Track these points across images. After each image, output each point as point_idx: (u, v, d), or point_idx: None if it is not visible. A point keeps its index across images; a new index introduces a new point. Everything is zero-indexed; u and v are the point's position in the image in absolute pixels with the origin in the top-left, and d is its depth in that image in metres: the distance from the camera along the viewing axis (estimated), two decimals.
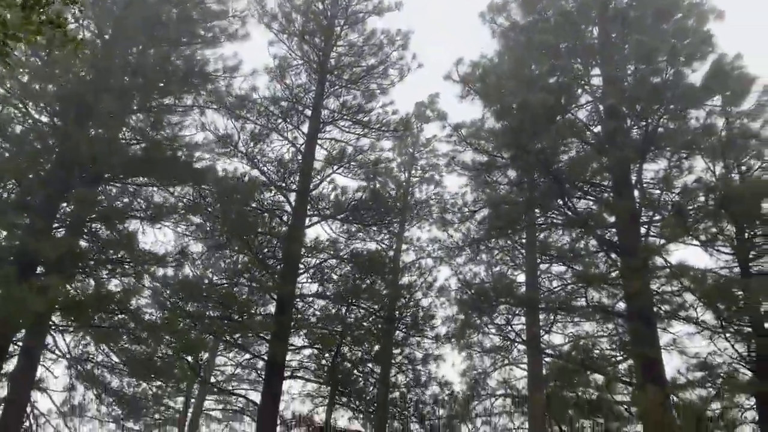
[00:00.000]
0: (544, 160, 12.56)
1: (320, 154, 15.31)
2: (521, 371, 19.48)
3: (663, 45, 11.66)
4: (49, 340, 12.06)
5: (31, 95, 11.75)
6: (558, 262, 17.99)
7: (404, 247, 18.94)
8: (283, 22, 15.43)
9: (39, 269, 11.38)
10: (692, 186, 11.61)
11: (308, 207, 14.15)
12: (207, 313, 13.20)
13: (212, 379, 18.04)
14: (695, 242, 11.44)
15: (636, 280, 11.08)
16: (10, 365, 11.47)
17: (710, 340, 11.00)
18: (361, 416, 15.82)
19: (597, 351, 14.32)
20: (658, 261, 11.94)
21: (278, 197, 14.39)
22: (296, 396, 15.97)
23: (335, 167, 15.00)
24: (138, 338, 12.15)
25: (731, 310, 10.12)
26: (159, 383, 15.44)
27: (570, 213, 14.03)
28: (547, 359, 18.22)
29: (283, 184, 14.48)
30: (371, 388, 15.78)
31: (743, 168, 11.35)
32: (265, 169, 14.51)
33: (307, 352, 14.77)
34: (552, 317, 19.27)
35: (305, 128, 15.21)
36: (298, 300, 13.96)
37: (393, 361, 16.16)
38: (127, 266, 11.79)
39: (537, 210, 15.84)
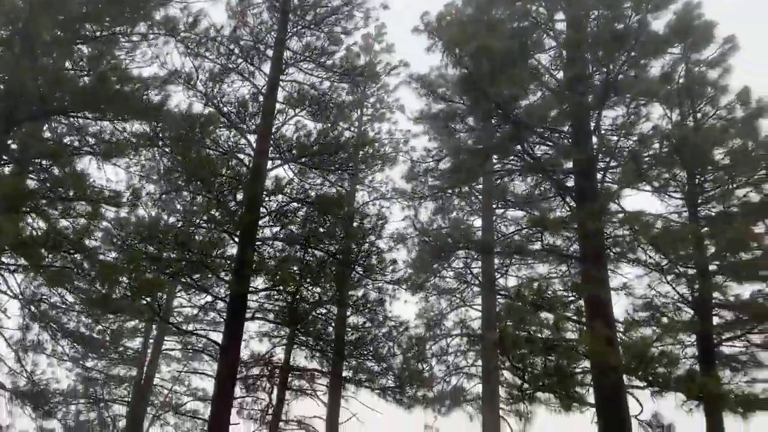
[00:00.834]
0: (505, 105, 12.57)
1: (282, 96, 14.98)
2: (476, 312, 20.15)
3: None
4: None
5: None
6: (514, 208, 18.40)
7: (363, 190, 19.00)
8: None
9: None
10: (648, 133, 11.87)
11: (270, 149, 13.90)
12: (164, 255, 13.00)
13: (171, 320, 18.00)
14: (648, 188, 11.82)
15: (590, 224, 11.42)
16: None
17: (657, 282, 11.55)
18: (319, 355, 16.12)
19: (549, 292, 14.83)
20: (613, 206, 12.34)
21: (239, 139, 14.09)
22: (255, 336, 16.12)
23: (297, 110, 14.68)
24: (93, 279, 11.95)
25: (678, 253, 10.58)
26: (116, 324, 15.34)
27: (528, 159, 14.22)
28: (501, 300, 18.85)
29: (244, 126, 14.14)
30: (329, 329, 16.04)
31: (698, 116, 11.66)
32: (226, 109, 14.10)
33: (267, 293, 14.81)
34: (507, 261, 19.83)
35: (267, 69, 14.77)
36: (258, 242, 13.88)
37: (350, 303, 16.39)
38: (79, 205, 11.43)
39: (495, 156, 16.01)
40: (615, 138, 12.88)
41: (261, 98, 14.56)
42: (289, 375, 15.05)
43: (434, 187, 18.67)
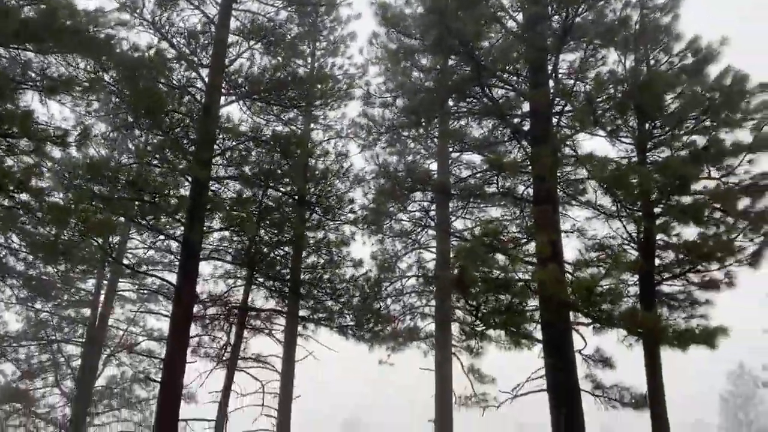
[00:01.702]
0: (467, 44, 12.47)
1: (235, 26, 14.29)
2: (431, 254, 20.51)
3: None
4: None
5: None
6: (471, 151, 18.54)
7: (318, 129, 18.70)
8: None
9: None
10: (604, 78, 12.01)
11: (223, 85, 13.44)
12: (116, 195, 12.66)
13: (125, 262, 17.74)
14: (601, 133, 12.05)
15: (544, 167, 11.64)
16: None
17: (606, 223, 11.96)
18: (277, 296, 16.25)
19: (504, 233, 15.20)
20: (567, 150, 12.58)
21: (190, 73, 13.53)
22: (211, 277, 16.06)
23: (251, 42, 14.14)
24: (41, 220, 11.60)
25: (626, 195, 10.93)
26: (67, 266, 15.03)
27: (486, 101, 14.24)
28: (456, 242, 19.24)
29: (196, 59, 13.56)
30: (287, 270, 16.12)
31: (652, 61, 11.82)
32: (175, 41, 13.47)
33: (223, 234, 14.71)
34: (463, 204, 20.13)
35: None
36: (213, 182, 13.64)
37: (308, 244, 16.45)
38: (24, 143, 10.93)
39: (453, 98, 15.98)
40: (571, 82, 13.01)
41: (213, 28, 13.93)
42: (247, 315, 15.16)
43: (391, 126, 18.60)
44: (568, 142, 12.77)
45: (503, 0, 13.59)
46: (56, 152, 11.82)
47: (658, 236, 10.81)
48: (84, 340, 18.40)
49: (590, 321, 12.43)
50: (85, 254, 12.43)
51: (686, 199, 10.46)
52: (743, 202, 10.00)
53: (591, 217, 12.25)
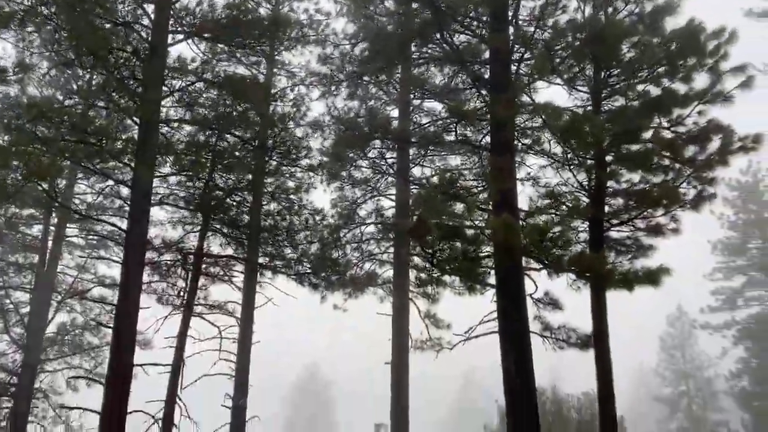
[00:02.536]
0: None
1: None
2: (390, 202, 20.59)
3: None
4: None
5: None
6: (431, 98, 18.41)
7: (280, 75, 18.21)
8: None
9: None
10: (562, 25, 11.95)
11: (171, 22, 12.78)
12: (60, 138, 12.14)
13: (73, 207, 17.20)
14: (559, 81, 12.09)
15: (502, 114, 11.67)
16: None
17: (558, 172, 12.15)
18: (234, 243, 16.11)
19: (461, 182, 15.30)
20: (525, 98, 12.61)
21: (135, 8, 12.79)
22: (166, 223, 15.76)
23: None
24: None
25: (579, 144, 11.08)
26: (13, 210, 14.50)
27: (447, 48, 14.06)
28: (415, 190, 19.32)
29: None
30: (244, 216, 15.93)
31: (610, 10, 11.79)
32: None
33: (176, 179, 14.36)
34: (422, 152, 20.12)
35: None
36: (163, 125, 13.19)
37: (265, 190, 16.23)
38: None
39: (414, 44, 15.71)
40: (531, 29, 12.91)
41: None
42: (203, 261, 15.01)
43: (352, 72, 18.23)
44: (526, 90, 12.79)
45: None
46: None
47: (608, 183, 11.05)
48: (32, 286, 17.97)
49: (541, 266, 12.78)
50: (29, 198, 11.95)
51: (636, 148, 10.67)
52: (690, 151, 10.27)
53: (545, 165, 12.42)
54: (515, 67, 13.52)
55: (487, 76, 13.66)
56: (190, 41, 13.08)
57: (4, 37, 12.08)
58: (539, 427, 12.20)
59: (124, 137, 12.90)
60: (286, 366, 69.25)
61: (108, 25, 12.11)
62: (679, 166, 10.36)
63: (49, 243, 17.84)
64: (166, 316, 14.65)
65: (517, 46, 13.10)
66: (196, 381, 14.11)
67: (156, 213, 15.68)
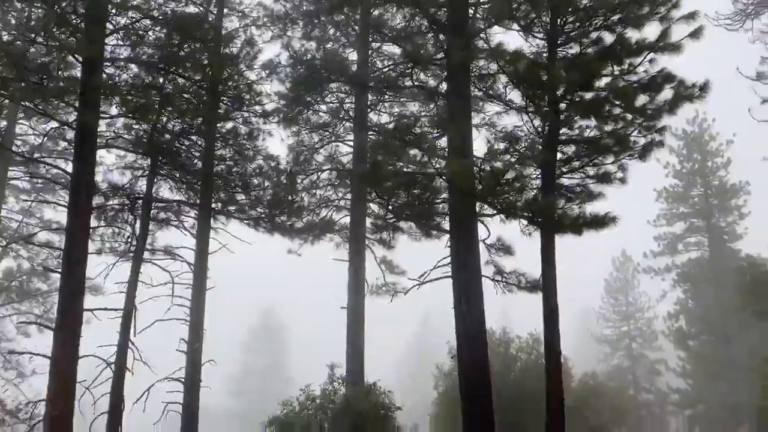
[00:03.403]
0: None
1: None
2: (347, 147, 20.43)
3: None
4: None
5: None
6: (389, 42, 18.08)
7: (232, 15, 17.47)
8: None
9: None
10: None
11: None
12: None
13: (15, 149, 16.43)
14: (516, 27, 12.01)
15: (458, 58, 11.59)
16: None
17: (513, 118, 12.25)
18: (186, 187, 15.76)
19: (418, 128, 15.27)
20: (481, 43, 12.52)
21: None
22: (113, 167, 15.22)
23: None
24: None
25: (535, 90, 11.15)
26: None
27: None
28: (372, 136, 19.19)
29: None
30: (195, 161, 15.55)
31: None
32: None
33: (123, 121, 13.84)
34: (380, 97, 19.89)
35: None
36: (107, 64, 12.57)
37: (217, 135, 15.82)
38: None
39: None
40: None
41: None
42: (153, 206, 14.66)
43: (308, 12, 17.69)
44: (482, 36, 12.70)
45: None
46: None
47: (562, 130, 11.21)
48: None
49: (495, 211, 13.04)
50: None
51: (590, 96, 10.81)
52: (641, 99, 10.47)
53: (501, 111, 12.47)
54: (472, 11, 13.36)
55: (444, 20, 13.47)
56: None
57: None
58: (489, 367, 12.72)
59: (66, 76, 12.26)
60: (242, 311, 69.49)
61: None
62: (630, 115, 10.57)
63: None
64: (116, 262, 14.38)
65: None
66: (149, 326, 14.02)
67: (105, 157, 15.15)
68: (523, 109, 11.62)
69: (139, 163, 15.16)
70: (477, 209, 13.55)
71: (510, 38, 12.41)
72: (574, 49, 11.45)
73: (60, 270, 12.06)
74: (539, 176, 11.80)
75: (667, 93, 10.43)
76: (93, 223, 12.95)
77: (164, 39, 13.07)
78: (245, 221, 16.39)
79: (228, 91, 15.61)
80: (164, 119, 14.26)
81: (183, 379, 15.42)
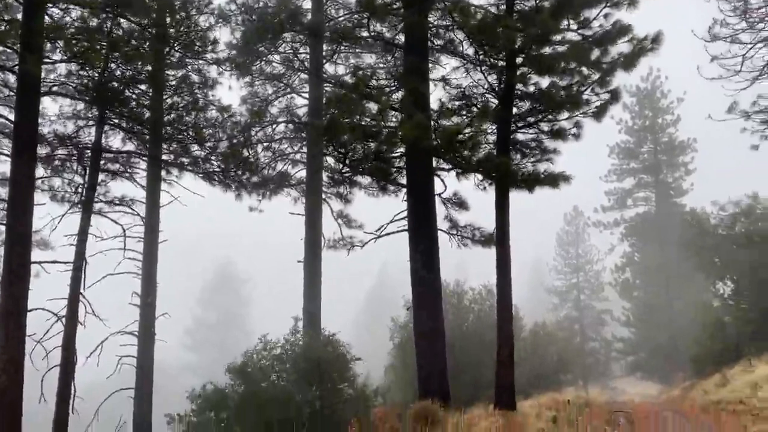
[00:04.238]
0: None
1: None
2: (303, 100, 20.07)
3: None
4: None
5: None
6: None
7: None
8: None
9: None
10: None
11: None
12: None
13: None
14: None
15: (415, 13, 11.42)
16: None
17: (470, 74, 12.22)
18: (135, 138, 15.29)
19: (374, 81, 15.07)
20: None
21: None
22: (58, 116, 14.57)
23: None
24: None
25: (491, 45, 11.11)
26: None
27: None
28: (329, 88, 18.86)
29: None
30: (145, 110, 15.04)
31: None
32: None
33: (68, 68, 13.19)
34: (336, 48, 19.47)
35: None
36: (50, 5, 11.88)
37: (168, 84, 15.28)
38: None
39: None
40: None
41: None
42: (101, 157, 14.20)
43: None
44: None
45: None
46: None
47: (517, 86, 11.26)
48: None
49: (451, 166, 13.16)
50: None
51: (546, 51, 10.84)
52: (595, 54, 10.56)
53: (458, 66, 12.41)
54: None
55: None
56: None
57: None
58: (442, 318, 13.06)
59: (6, 18, 11.55)
60: (199, 265, 68.91)
61: None
62: (586, 70, 10.67)
63: None
64: (65, 213, 13.96)
65: None
66: (100, 280, 13.78)
67: (50, 105, 14.50)
68: (480, 64, 11.59)
69: (86, 112, 14.56)
70: (434, 164, 13.64)
71: None
72: (531, 2, 11.41)
73: (5, 221, 11.65)
74: (495, 131, 11.91)
75: (621, 47, 10.54)
76: (40, 173, 12.48)
77: None
78: (199, 174, 16.07)
79: (179, 37, 15.02)
80: (112, 66, 13.67)
81: (137, 333, 15.33)
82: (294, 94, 20.15)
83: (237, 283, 66.43)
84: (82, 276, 13.03)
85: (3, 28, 11.57)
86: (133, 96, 14.56)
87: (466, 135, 11.85)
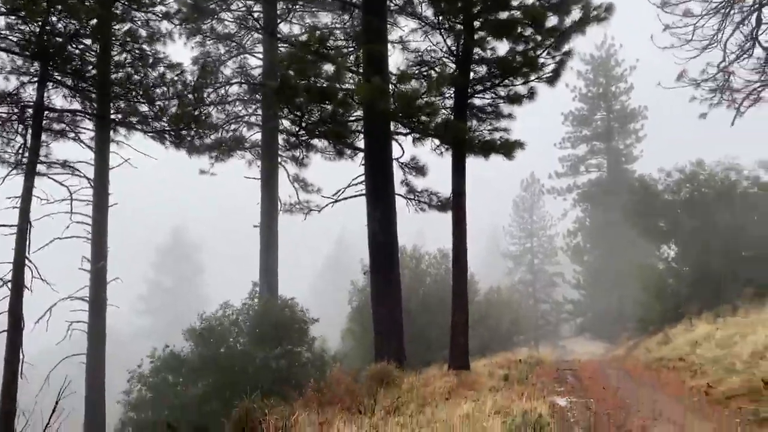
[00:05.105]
0: None
1: None
2: (257, 60, 19.53)
3: None
4: None
5: None
6: None
7: None
8: None
9: None
10: None
11: None
12: None
13: None
14: None
15: None
16: None
17: (428, 37, 12.09)
18: (80, 96, 14.61)
19: (331, 41, 14.75)
20: None
21: None
22: None
23: None
24: None
25: (450, 7, 10.98)
26: None
27: None
28: (283, 48, 18.40)
29: None
30: (90, 67, 14.35)
31: None
32: None
33: (6, 20, 12.42)
34: (290, 6, 18.93)
35: None
36: None
37: (114, 38, 14.59)
38: None
39: None
40: None
41: None
42: (46, 116, 13.53)
43: None
44: None
45: None
46: None
47: (475, 50, 11.21)
48: None
49: (409, 131, 13.10)
50: None
51: (504, 15, 10.79)
52: (551, 21, 10.58)
53: (416, 28, 12.25)
54: None
55: None
56: None
57: None
58: (399, 282, 13.17)
59: None
60: (151, 230, 67.42)
61: None
62: (540, 36, 10.68)
63: None
64: (6, 175, 13.31)
65: None
66: (47, 244, 13.29)
67: None
68: (438, 26, 11.46)
69: (27, 67, 13.78)
70: (391, 128, 13.55)
71: None
72: None
73: None
74: (452, 96, 11.86)
75: (575, 15, 10.58)
76: None
77: None
78: (149, 134, 15.51)
79: None
80: (54, 19, 12.93)
81: (87, 298, 14.95)
82: (248, 54, 19.58)
83: (190, 248, 65.36)
84: (27, 239, 12.53)
85: None
86: (77, 51, 13.85)
87: (424, 100, 11.77)
